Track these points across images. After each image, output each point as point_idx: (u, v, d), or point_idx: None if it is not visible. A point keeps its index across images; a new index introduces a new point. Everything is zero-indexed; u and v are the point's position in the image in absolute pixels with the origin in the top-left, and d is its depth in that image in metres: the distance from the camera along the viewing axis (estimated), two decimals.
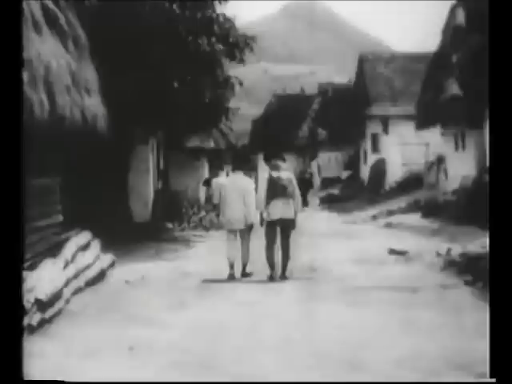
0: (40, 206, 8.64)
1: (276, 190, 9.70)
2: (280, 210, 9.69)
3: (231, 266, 9.92)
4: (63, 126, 8.08)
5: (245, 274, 9.97)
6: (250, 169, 10.86)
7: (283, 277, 9.72)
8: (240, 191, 9.94)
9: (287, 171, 10.08)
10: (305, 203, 29.27)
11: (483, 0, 13.31)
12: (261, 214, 9.87)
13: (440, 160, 22.56)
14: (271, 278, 9.66)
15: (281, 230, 9.81)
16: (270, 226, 9.80)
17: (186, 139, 22.27)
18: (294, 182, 9.96)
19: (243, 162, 10.76)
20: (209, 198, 22.02)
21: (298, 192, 9.92)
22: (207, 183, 22.41)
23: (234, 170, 10.52)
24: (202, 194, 23.91)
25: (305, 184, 30.06)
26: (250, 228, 10.08)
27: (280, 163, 10.00)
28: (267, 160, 10.22)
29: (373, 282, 9.37)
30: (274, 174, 9.85)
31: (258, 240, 10.11)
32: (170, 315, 7.25)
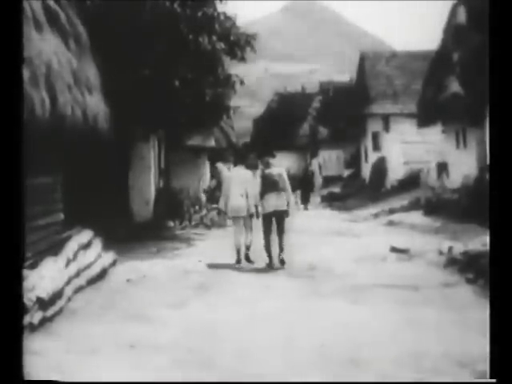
0: (41, 204, 8.63)
1: (268, 184, 10.70)
2: (274, 202, 10.70)
3: (238, 252, 10.91)
4: (64, 124, 8.08)
5: (248, 259, 10.96)
6: (252, 166, 11.79)
7: (282, 262, 10.58)
8: (243, 183, 10.99)
9: (278, 167, 11.15)
10: (307, 201, 29.20)
11: None
12: (256, 207, 10.90)
13: (443, 166, 22.61)
14: (269, 266, 10.62)
15: (276, 220, 10.79)
16: (266, 218, 10.82)
17: (187, 137, 22.24)
18: (285, 176, 10.93)
19: (243, 158, 11.94)
20: (210, 198, 22.03)
21: (288, 185, 10.84)
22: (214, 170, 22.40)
23: (235, 164, 11.80)
24: (203, 191, 23.90)
25: (307, 183, 30.01)
26: (251, 216, 11.02)
27: (271, 160, 11.08)
28: (259, 158, 11.39)
29: (374, 279, 9.37)
30: (267, 170, 10.87)
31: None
32: (171, 313, 7.25)
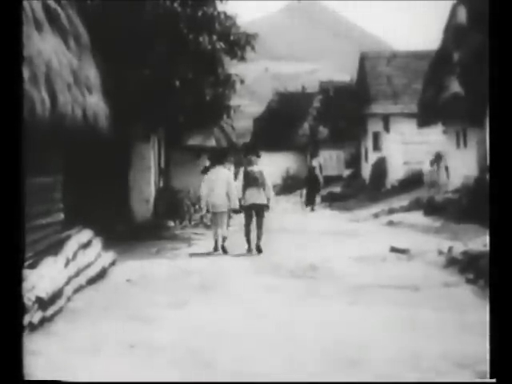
0: (41, 204, 8.63)
1: (250, 180, 12.13)
2: (254, 196, 12.14)
3: (215, 241, 12.32)
4: (64, 123, 8.08)
5: (223, 248, 12.20)
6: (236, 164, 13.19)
7: (258, 249, 12.03)
8: (223, 181, 12.21)
9: (260, 166, 12.38)
10: (313, 202, 28.11)
11: None
12: (239, 200, 12.19)
13: (439, 157, 22.50)
14: (248, 251, 12.14)
15: (255, 213, 12.25)
16: (246, 210, 12.32)
17: (188, 137, 22.22)
18: (265, 175, 12.24)
19: (220, 158, 12.94)
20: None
21: (268, 182, 12.24)
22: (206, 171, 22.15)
23: (214, 164, 12.72)
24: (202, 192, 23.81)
25: (313, 182, 28.64)
26: (230, 211, 12.51)
27: (254, 159, 12.39)
28: (245, 156, 12.74)
29: (374, 279, 9.36)
30: (249, 167, 12.29)
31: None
32: (171, 313, 7.25)
